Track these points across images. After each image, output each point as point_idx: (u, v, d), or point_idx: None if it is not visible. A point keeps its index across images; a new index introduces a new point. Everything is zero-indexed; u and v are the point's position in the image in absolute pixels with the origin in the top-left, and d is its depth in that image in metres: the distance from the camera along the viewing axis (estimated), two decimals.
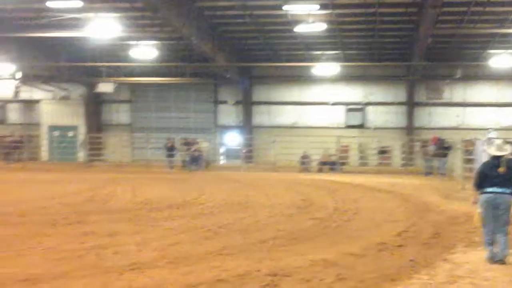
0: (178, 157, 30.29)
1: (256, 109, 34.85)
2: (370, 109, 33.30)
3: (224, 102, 35.24)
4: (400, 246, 8.79)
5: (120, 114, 36.15)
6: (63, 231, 9.59)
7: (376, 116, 33.22)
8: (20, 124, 36.15)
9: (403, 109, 32.89)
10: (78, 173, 25.02)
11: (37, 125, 35.80)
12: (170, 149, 30.32)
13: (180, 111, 35.36)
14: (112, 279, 6.49)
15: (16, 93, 32.22)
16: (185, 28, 23.00)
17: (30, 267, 6.94)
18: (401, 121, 32.92)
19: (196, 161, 28.51)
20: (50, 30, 24.88)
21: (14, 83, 31.69)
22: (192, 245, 8.64)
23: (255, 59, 32.44)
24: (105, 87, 32.79)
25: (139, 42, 27.09)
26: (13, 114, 36.76)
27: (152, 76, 33.14)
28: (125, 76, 33.04)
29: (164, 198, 15.06)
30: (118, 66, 32.03)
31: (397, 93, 32.88)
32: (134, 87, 35.35)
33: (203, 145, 29.98)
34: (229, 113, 35.35)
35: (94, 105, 35.50)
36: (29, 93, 34.70)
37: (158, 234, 9.58)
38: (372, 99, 33.09)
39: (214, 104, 35.38)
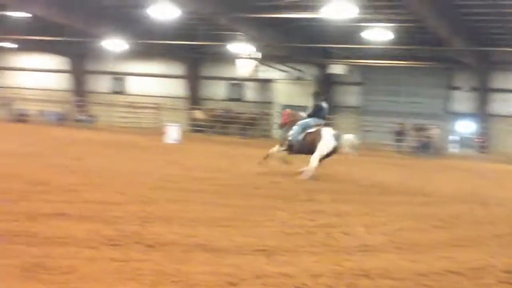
0: (407, 142, 29.76)
1: (493, 96, 32.86)
2: None
3: (458, 88, 33.76)
4: None
5: (350, 96, 36.43)
6: (294, 207, 9.92)
7: None
8: (256, 102, 38.15)
9: None
10: None
11: (270, 103, 37.47)
12: (400, 134, 29.88)
13: (411, 96, 34.65)
14: (341, 258, 6.57)
15: (254, 72, 33.94)
16: (422, 10, 22.37)
17: (266, 238, 7.29)
18: None
19: (426, 148, 27.80)
20: (287, 11, 25.77)
21: (253, 62, 33.40)
22: (420, 233, 8.43)
23: (494, 43, 30.53)
24: (337, 68, 33.26)
25: (374, 24, 26.94)
26: (250, 92, 38.89)
27: (384, 59, 32.82)
28: (357, 58, 33.16)
29: (391, 183, 14.91)
30: (351, 48, 32.21)
31: None
32: (365, 69, 35.35)
33: (434, 131, 29.09)
34: (462, 100, 33.83)
35: (325, 87, 36.14)
36: (265, 72, 36.41)
37: (386, 218, 9.49)
38: None
39: (446, 89, 34.08)
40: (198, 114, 37.36)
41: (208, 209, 9.11)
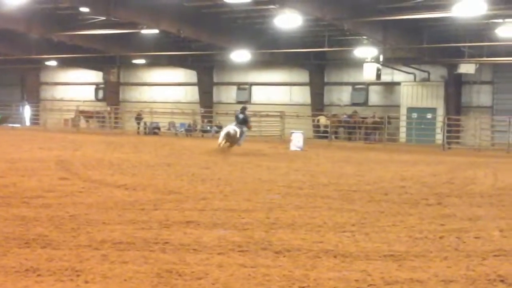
0: None
1: None
2: None
3: None
4: None
5: (480, 95, 34.93)
6: (423, 211, 9.65)
7: None
8: (380, 106, 37.54)
9: None
10: (435, 156, 25.00)
11: (396, 107, 36.72)
12: None
13: None
14: (474, 263, 6.31)
15: (378, 75, 33.44)
16: None
17: (394, 243, 7.15)
18: None
19: None
20: (415, 12, 25.18)
21: (377, 66, 32.91)
22: None
23: None
24: (466, 68, 32.01)
25: (506, 20, 25.72)
26: (374, 96, 38.32)
27: None
28: (488, 56, 31.76)
29: None
30: (482, 46, 30.92)
31: None
32: (496, 67, 33.77)
33: None
34: None
35: (454, 87, 34.87)
36: (389, 75, 35.76)
37: None
38: None
39: None
40: (322, 120, 37.34)
41: (334, 214, 9.08)
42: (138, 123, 40.34)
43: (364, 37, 30.95)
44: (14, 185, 11.36)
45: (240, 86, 42.54)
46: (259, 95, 41.74)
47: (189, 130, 39.16)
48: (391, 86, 37.30)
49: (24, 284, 5.21)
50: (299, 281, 5.51)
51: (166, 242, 6.86)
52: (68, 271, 5.62)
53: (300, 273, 5.74)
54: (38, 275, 5.48)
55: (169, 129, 39.79)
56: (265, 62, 37.92)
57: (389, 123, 34.83)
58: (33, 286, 5.17)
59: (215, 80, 43.45)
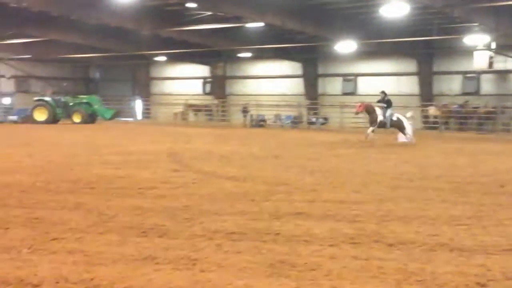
0: None
1: None
2: None
3: None
4: None
5: None
6: None
7: None
8: (493, 95, 35.97)
9: None
10: None
11: (510, 96, 35.08)
12: None
13: None
14: None
15: (490, 63, 32.02)
16: None
17: None
18: None
19: None
20: None
21: (489, 54, 31.54)
22: None
23: None
24: None
25: None
26: (487, 85, 36.77)
27: None
28: None
29: None
30: None
31: None
32: None
33: None
34: None
35: None
36: (503, 63, 34.18)
37: None
38: None
39: None
40: (432, 111, 36.27)
41: (448, 207, 8.80)
42: (245, 116, 40.86)
43: (475, 24, 29.71)
44: (130, 177, 11.83)
45: (346, 77, 42.09)
46: (365, 86, 41.10)
47: (295, 122, 39.24)
48: (504, 74, 35.64)
49: (143, 271, 5.40)
50: (415, 274, 5.38)
51: (278, 233, 6.91)
52: (184, 260, 5.78)
53: (415, 267, 5.60)
54: (156, 263, 5.67)
55: (275, 121, 40.05)
56: (371, 52, 37.28)
57: (502, 112, 33.32)
58: (152, 274, 5.34)
59: (320, 71, 43.25)
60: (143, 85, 51.02)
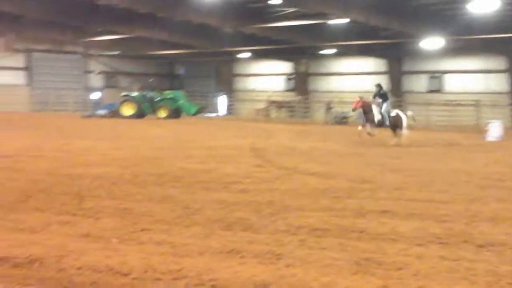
0: None
1: None
2: None
3: None
4: None
5: None
6: None
7: None
8: None
9: None
10: None
11: None
12: None
13: None
14: None
15: None
16: None
17: None
18: None
19: None
20: None
21: None
22: None
23: None
24: None
25: None
26: None
27: None
28: None
29: None
30: None
31: None
32: None
33: None
34: None
35: None
36: None
37: None
38: None
39: None
40: None
41: None
42: (328, 113, 40.60)
43: None
44: (214, 171, 12.01)
45: (432, 74, 41.10)
46: (452, 83, 40.03)
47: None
48: None
49: (228, 264, 5.45)
50: (505, 277, 5.19)
51: (362, 231, 6.82)
52: (269, 254, 5.79)
53: (506, 269, 5.40)
54: (241, 256, 5.72)
55: (358, 118, 39.56)
56: (458, 49, 36.20)
57: None
58: (237, 266, 5.39)
59: (405, 68, 42.45)
60: (226, 82, 51.62)
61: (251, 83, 50.90)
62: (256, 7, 32.72)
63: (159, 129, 26.96)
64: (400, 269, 5.36)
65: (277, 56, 46.37)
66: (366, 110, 20.93)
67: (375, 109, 20.73)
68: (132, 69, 51.22)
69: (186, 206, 8.12)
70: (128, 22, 36.21)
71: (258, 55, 45.90)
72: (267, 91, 47.54)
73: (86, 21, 36.99)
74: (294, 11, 31.57)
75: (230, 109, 50.06)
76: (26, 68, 47.16)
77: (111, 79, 50.81)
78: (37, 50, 46.92)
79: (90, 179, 10.54)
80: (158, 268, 5.24)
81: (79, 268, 5.25)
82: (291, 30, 35.73)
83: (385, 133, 21.20)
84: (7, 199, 8.45)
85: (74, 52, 48.10)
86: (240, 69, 51.81)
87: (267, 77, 49.98)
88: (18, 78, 46.71)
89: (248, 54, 45.90)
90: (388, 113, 20.81)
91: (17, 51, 45.41)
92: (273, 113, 45.47)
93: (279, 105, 46.03)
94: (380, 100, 21.06)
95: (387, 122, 20.76)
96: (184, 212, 7.77)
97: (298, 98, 45.69)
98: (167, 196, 8.88)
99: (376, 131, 20.91)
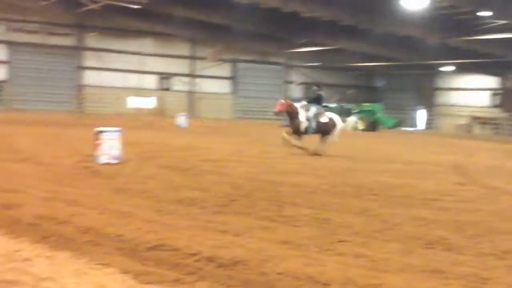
0: None
1: None
2: None
3: None
4: None
5: None
6: None
7: None
8: None
9: None
10: None
11: None
12: None
13: None
14: None
15: None
16: None
17: None
18: None
19: None
20: None
21: None
22: None
23: None
24: None
25: None
26: None
27: None
28: None
29: None
30: None
31: None
32: None
33: None
34: None
35: None
36: None
37: None
38: None
39: None
40: None
41: None
42: None
43: None
44: (411, 186, 11.66)
45: None
46: None
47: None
48: None
49: (431, 284, 5.24)
50: None
51: None
52: (473, 277, 5.48)
53: None
54: (444, 277, 5.46)
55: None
56: None
57: None
58: (440, 287, 5.15)
59: None
60: (427, 95, 50.19)
61: (453, 98, 48.97)
62: (464, 19, 31.37)
63: (357, 141, 26.84)
64: None
65: (483, 70, 44.07)
66: (292, 115, 17.83)
67: (301, 114, 17.67)
68: (332, 80, 51.68)
69: (384, 220, 7.96)
70: (331, 35, 36.66)
71: (462, 69, 44.03)
72: (469, 107, 45.49)
73: (290, 33, 38.10)
74: (504, 24, 29.76)
75: (430, 123, 48.55)
76: (231, 78, 49.73)
77: (309, 90, 51.70)
78: (243, 61, 49.27)
79: (289, 186, 10.77)
80: (357, 281, 5.17)
81: (279, 273, 5.34)
82: (499, 43, 33.81)
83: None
84: (213, 201, 8.90)
85: (277, 63, 49.81)
86: (442, 82, 50.08)
87: (470, 91, 47.77)
88: (224, 86, 49.44)
89: (451, 68, 44.25)
90: (316, 118, 17.70)
91: (224, 61, 48.06)
92: (476, 130, 43.31)
93: (483, 121, 43.75)
94: (305, 103, 18.29)
95: (313, 130, 17.68)
96: (382, 226, 7.61)
97: (505, 114, 43.06)
98: (365, 209, 8.77)
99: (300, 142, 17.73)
